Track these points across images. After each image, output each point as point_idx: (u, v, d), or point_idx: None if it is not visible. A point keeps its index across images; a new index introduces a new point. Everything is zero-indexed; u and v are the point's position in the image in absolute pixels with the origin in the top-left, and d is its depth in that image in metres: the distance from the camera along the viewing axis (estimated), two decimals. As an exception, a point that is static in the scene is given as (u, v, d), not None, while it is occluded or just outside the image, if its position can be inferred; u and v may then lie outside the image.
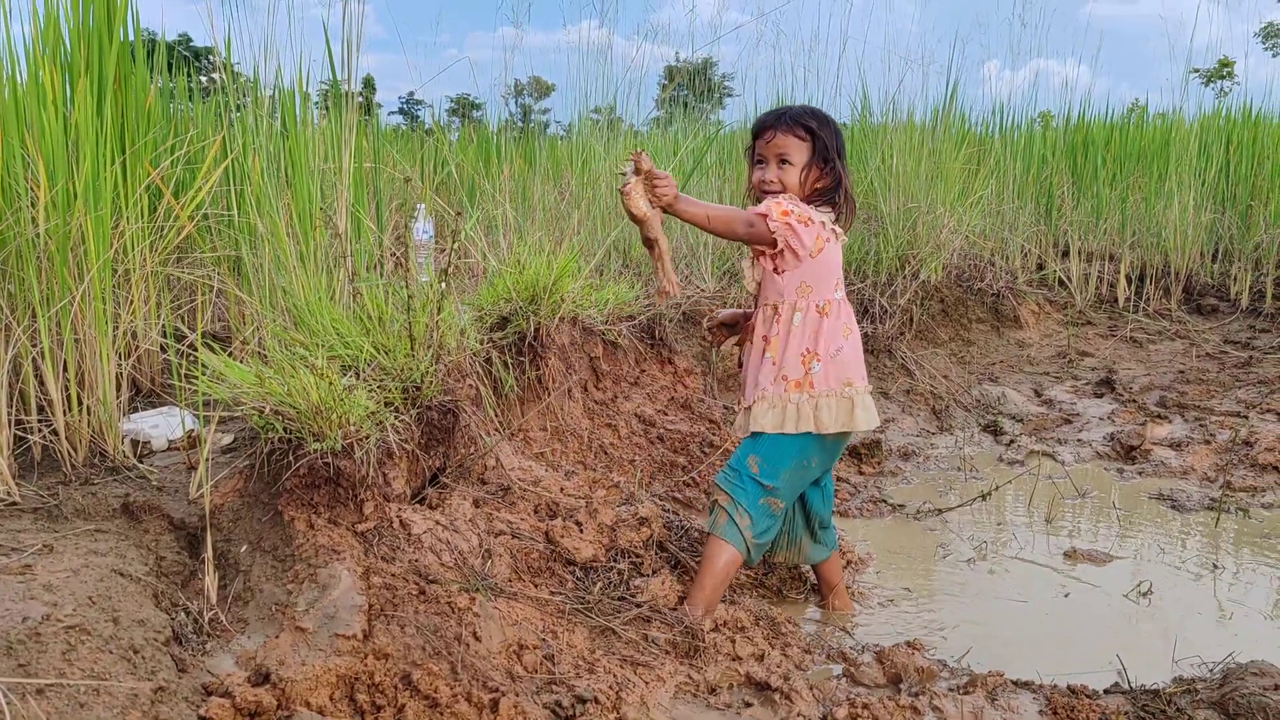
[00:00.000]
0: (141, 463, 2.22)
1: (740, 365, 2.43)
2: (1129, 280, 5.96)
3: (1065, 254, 6.16)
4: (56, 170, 2.22)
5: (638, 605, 2.18)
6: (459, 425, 2.48)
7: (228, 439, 2.34)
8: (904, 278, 4.91)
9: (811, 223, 2.18)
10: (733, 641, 2.11)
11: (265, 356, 2.38)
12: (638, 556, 2.41)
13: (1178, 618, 2.46)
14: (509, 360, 2.93)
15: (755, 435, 2.25)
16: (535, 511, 2.50)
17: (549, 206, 4.55)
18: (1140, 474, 3.63)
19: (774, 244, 2.15)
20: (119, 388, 2.35)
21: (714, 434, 3.39)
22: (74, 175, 2.24)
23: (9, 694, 1.35)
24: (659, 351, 3.66)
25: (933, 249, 5.03)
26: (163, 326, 2.66)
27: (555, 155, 6.00)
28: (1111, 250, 6.24)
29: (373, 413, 2.18)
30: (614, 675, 1.90)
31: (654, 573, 2.36)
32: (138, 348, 2.59)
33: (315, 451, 2.05)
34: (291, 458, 2.06)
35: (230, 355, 2.45)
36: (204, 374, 2.16)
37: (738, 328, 2.52)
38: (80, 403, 2.21)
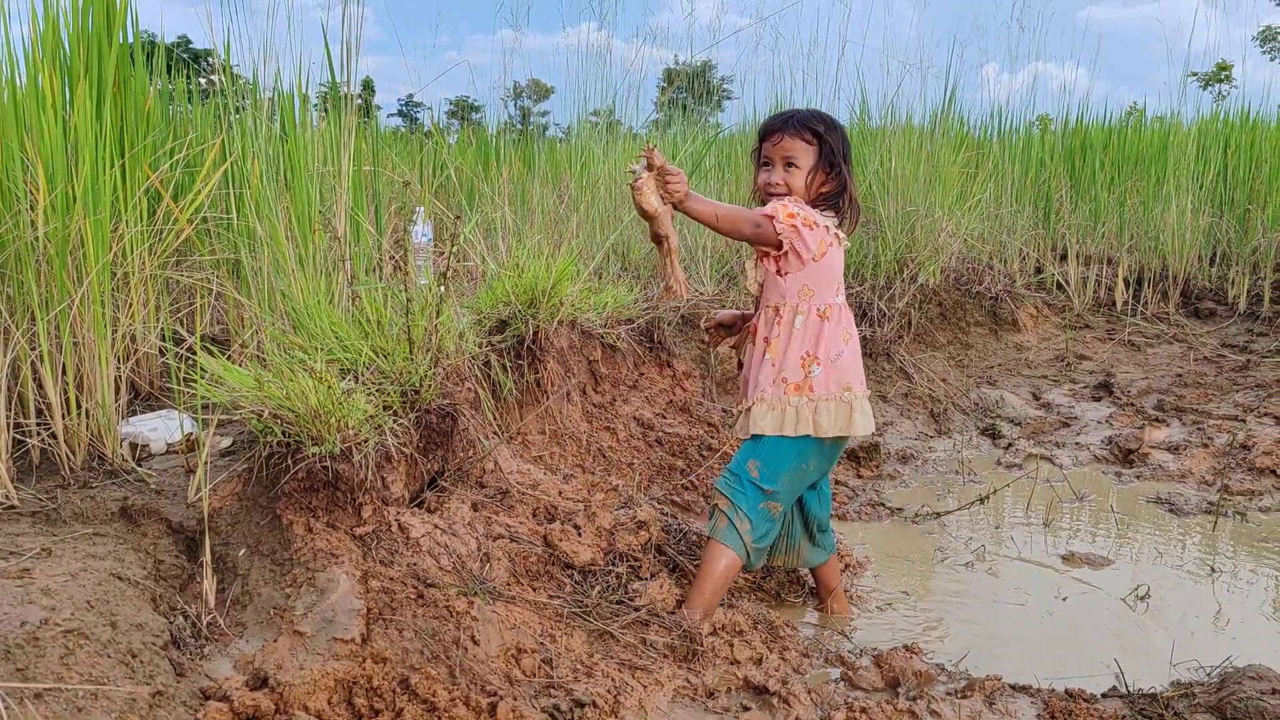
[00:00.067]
0: (140, 466, 2.22)
1: (740, 367, 2.44)
2: (1127, 284, 5.96)
3: (1063, 257, 6.17)
4: (56, 174, 2.22)
5: (636, 609, 2.19)
6: (457, 429, 2.48)
7: (226, 442, 2.34)
8: (902, 281, 4.91)
9: (816, 226, 2.19)
10: (731, 645, 2.11)
11: (264, 360, 2.39)
12: (636, 560, 2.41)
13: (1175, 621, 2.46)
14: (508, 363, 2.93)
15: (755, 439, 2.25)
16: (534, 515, 2.50)
17: (548, 209, 4.55)
18: (1138, 477, 3.63)
19: (779, 246, 2.16)
20: (118, 391, 2.35)
21: (712, 437, 3.40)
22: (73, 179, 2.24)
23: (7, 699, 1.36)
24: (657, 355, 3.66)
25: (931, 252, 5.04)
26: (161, 330, 2.67)
27: (554, 158, 6.01)
28: (1109, 254, 6.25)
29: (371, 416, 2.19)
30: (612, 679, 1.90)
31: (652, 576, 2.36)
32: (136, 351, 2.59)
33: (314, 455, 2.05)
34: (290, 461, 2.07)
35: (229, 358, 2.46)
36: (203, 377, 2.16)
37: (735, 329, 2.52)
38: (79, 406, 2.21)
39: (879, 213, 4.99)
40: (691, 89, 6.57)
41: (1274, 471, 3.55)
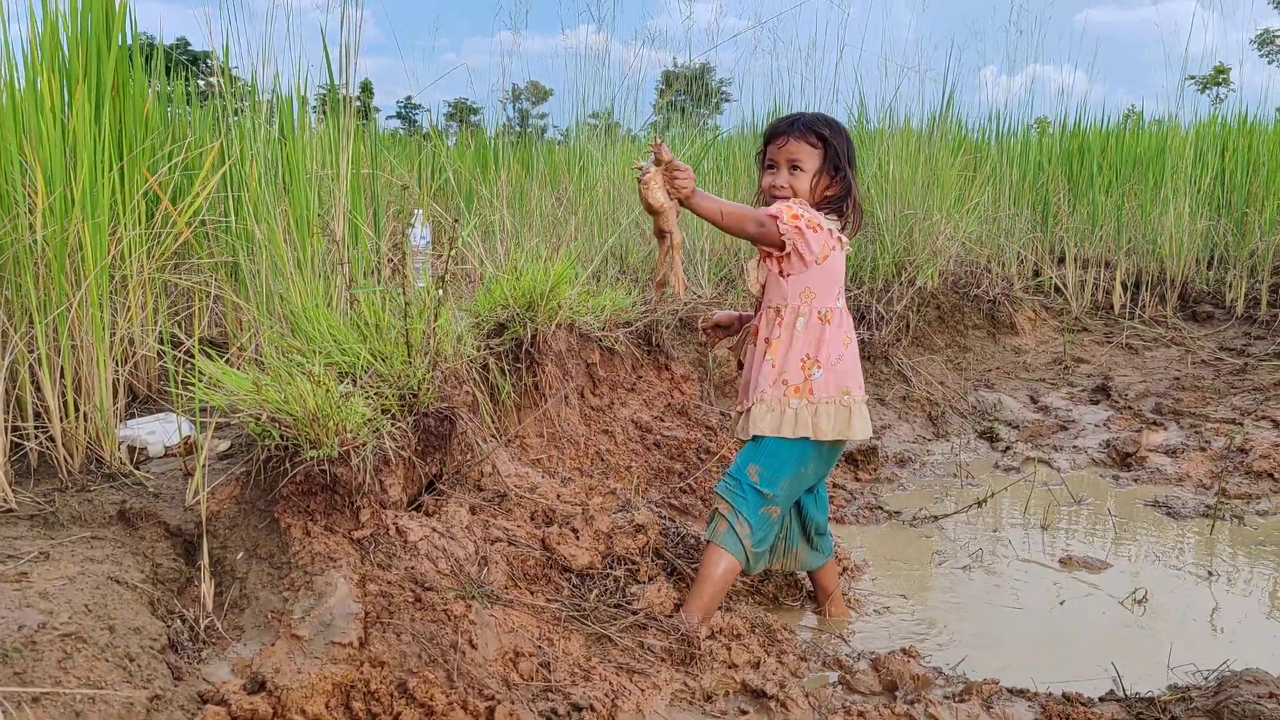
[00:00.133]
0: (138, 469, 2.22)
1: (740, 368, 2.44)
2: (1125, 287, 5.97)
3: (1061, 261, 6.18)
4: (54, 177, 2.22)
5: (634, 612, 2.19)
6: (455, 432, 2.49)
7: (224, 446, 2.34)
8: (900, 284, 4.92)
9: (820, 229, 2.19)
10: (729, 649, 2.11)
11: (262, 363, 2.39)
12: (634, 563, 2.41)
13: (1173, 625, 2.46)
14: (506, 367, 2.93)
15: (755, 443, 2.25)
16: (532, 518, 2.50)
17: (546, 212, 4.56)
18: (1136, 481, 3.64)
19: (782, 246, 2.17)
20: (116, 394, 2.35)
21: (710, 440, 3.40)
22: (72, 182, 2.24)
23: (5, 702, 1.35)
24: (656, 358, 3.67)
25: (929, 255, 5.05)
26: (160, 333, 2.66)
27: (553, 161, 6.01)
28: (1107, 257, 6.25)
29: (369, 420, 2.19)
30: (610, 683, 1.90)
31: (650, 580, 2.36)
32: (135, 354, 2.59)
33: (312, 459, 2.05)
34: (288, 465, 2.07)
35: (227, 362, 2.46)
36: (201, 381, 2.16)
37: (733, 330, 2.53)
38: (77, 409, 2.21)
39: (877, 216, 5.00)
40: (690, 91, 6.57)
41: (1271, 475, 3.55)
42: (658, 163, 2.01)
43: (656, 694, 1.93)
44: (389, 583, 1.97)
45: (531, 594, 2.20)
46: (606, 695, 1.84)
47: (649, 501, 2.90)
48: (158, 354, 2.71)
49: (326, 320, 2.46)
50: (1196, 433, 4.03)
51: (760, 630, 2.24)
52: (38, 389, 2.21)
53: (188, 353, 2.54)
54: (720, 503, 2.26)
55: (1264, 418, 4.17)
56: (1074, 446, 4.00)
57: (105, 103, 2.47)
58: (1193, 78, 7.39)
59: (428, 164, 5.49)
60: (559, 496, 2.65)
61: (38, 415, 2.23)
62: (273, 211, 2.74)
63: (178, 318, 2.91)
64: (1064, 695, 2.02)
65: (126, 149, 2.63)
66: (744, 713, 1.93)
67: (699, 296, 4.33)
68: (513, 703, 1.75)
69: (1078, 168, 6.68)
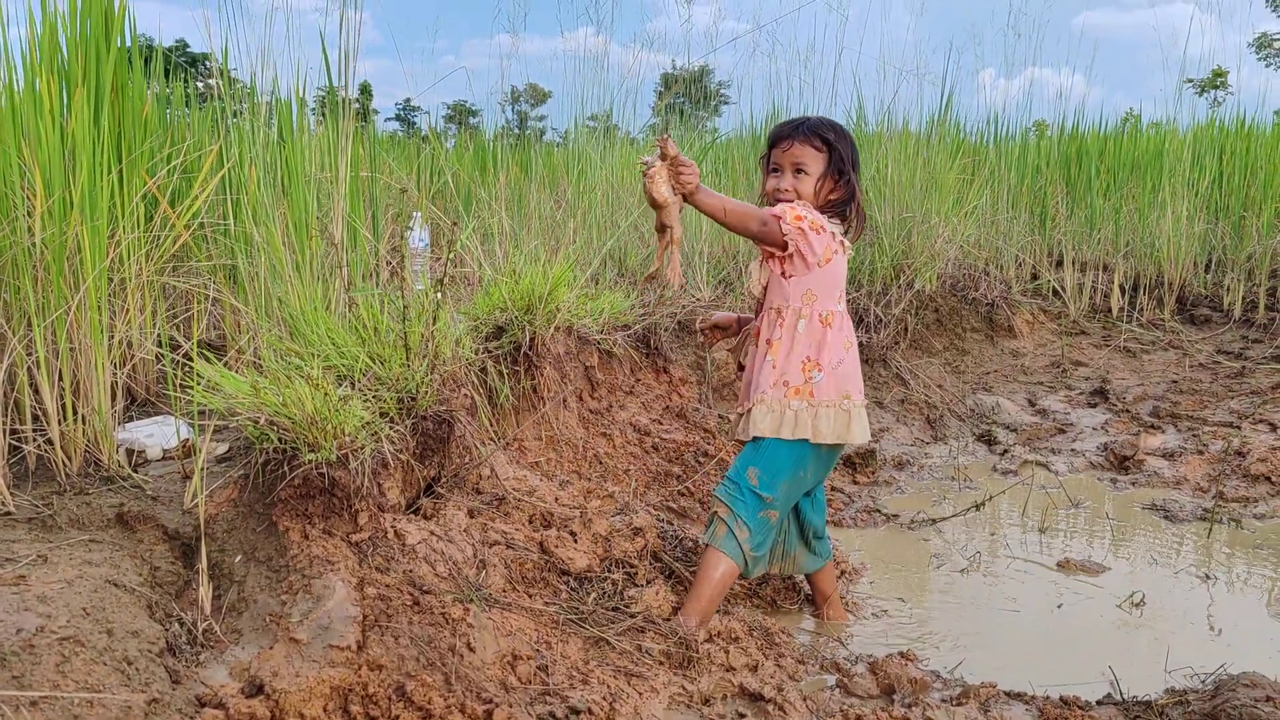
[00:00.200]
0: (136, 472, 2.22)
1: (741, 370, 2.45)
2: (1123, 290, 5.98)
3: (1059, 264, 6.19)
4: (53, 180, 2.22)
5: (632, 616, 2.19)
6: (454, 435, 2.49)
7: (223, 449, 2.34)
8: (899, 287, 4.92)
9: (823, 231, 2.20)
10: (726, 652, 2.12)
11: (260, 366, 2.39)
12: (632, 567, 2.41)
13: (1170, 628, 2.47)
14: (504, 370, 2.94)
15: (754, 446, 2.26)
16: (530, 521, 2.50)
17: (545, 215, 4.56)
18: (1133, 484, 3.64)
19: (784, 246, 2.18)
20: (114, 397, 2.35)
21: (709, 443, 3.40)
22: (70, 184, 2.24)
23: (4, 706, 1.36)
24: (654, 361, 3.67)
25: (927, 258, 5.05)
26: (158, 336, 2.66)
27: (551, 163, 6.02)
28: (1105, 260, 6.26)
29: (368, 423, 2.19)
30: (608, 686, 1.90)
31: (648, 583, 2.36)
32: (133, 357, 2.59)
33: (310, 462, 2.05)
34: (286, 468, 2.07)
35: (225, 365, 2.46)
36: (199, 384, 2.16)
37: (731, 332, 2.53)
38: (75, 412, 2.21)
39: (875, 219, 5.00)
40: (689, 94, 6.58)
41: (1269, 478, 3.56)
42: (663, 157, 2.03)
43: (654, 697, 1.93)
44: (387, 586, 1.97)
45: (529, 597, 2.21)
46: (604, 698, 1.85)
47: (647, 504, 2.90)
48: (156, 357, 2.71)
49: (325, 323, 2.47)
50: (1194, 436, 4.04)
51: (758, 633, 2.24)
52: (36, 392, 2.21)
53: (186, 356, 2.54)
54: (719, 506, 2.26)
55: (1261, 421, 4.17)
56: (1072, 450, 4.01)
57: (104, 105, 2.47)
58: (1190, 81, 7.41)
59: (426, 166, 5.49)
60: (557, 499, 2.66)
61: (36, 418, 2.23)
62: (271, 214, 2.74)
63: (176, 320, 2.91)
64: (1061, 698, 2.03)
65: (125, 151, 2.63)
66: (742, 716, 1.93)
67: (697, 299, 4.33)
68: (511, 706, 1.75)
69: (1076, 171, 6.69)
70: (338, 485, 2.08)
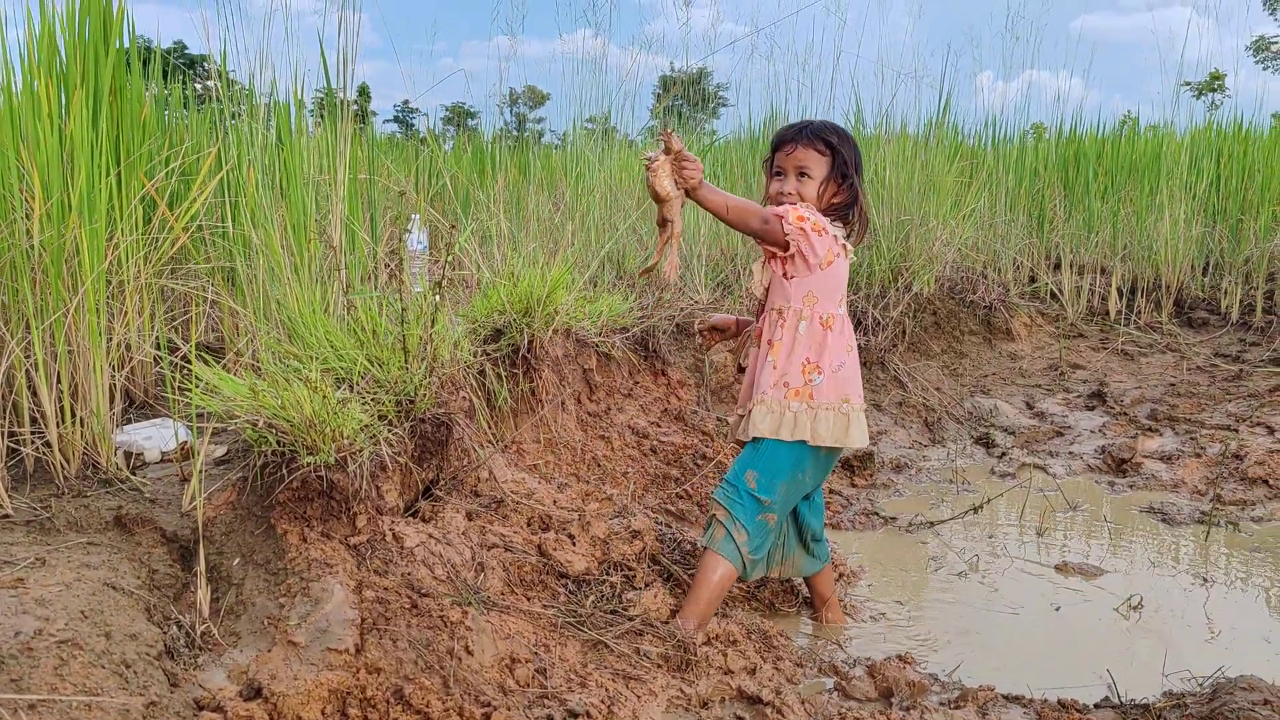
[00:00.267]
0: (134, 475, 2.22)
1: (741, 371, 2.45)
2: (1120, 293, 5.99)
3: (1057, 266, 6.20)
4: (52, 182, 2.22)
5: (630, 619, 2.19)
6: (452, 438, 2.49)
7: (221, 451, 2.34)
8: (897, 290, 4.93)
9: (825, 233, 2.21)
10: (724, 655, 2.12)
11: (259, 369, 2.39)
12: (630, 569, 2.41)
13: (1168, 631, 2.47)
14: (502, 372, 2.94)
15: (753, 448, 2.26)
16: (528, 524, 2.50)
17: (543, 217, 4.56)
18: (1131, 487, 3.64)
19: (785, 246, 2.18)
20: (112, 399, 2.35)
21: (707, 446, 3.40)
22: (69, 187, 2.24)
23: (2, 709, 1.35)
24: (652, 363, 3.67)
25: (925, 261, 5.06)
26: (156, 338, 2.66)
27: (550, 165, 6.02)
28: (1103, 263, 6.27)
29: (366, 426, 2.19)
30: (606, 689, 1.90)
31: (647, 586, 2.36)
32: (131, 359, 2.59)
33: (308, 464, 2.05)
34: (285, 471, 2.07)
35: (224, 367, 2.45)
36: (197, 386, 2.16)
37: (729, 333, 2.53)
38: (73, 414, 2.20)
39: (873, 221, 5.01)
40: (687, 96, 6.59)
41: (1266, 481, 3.56)
42: (667, 151, 2.03)
43: (652, 700, 1.93)
44: (385, 589, 1.97)
45: (528, 600, 2.21)
46: (602, 702, 1.85)
47: (645, 507, 2.90)
48: (154, 359, 2.71)
49: (323, 326, 2.47)
50: (1192, 439, 4.04)
51: (756, 636, 2.24)
52: (34, 394, 2.21)
53: (184, 358, 2.53)
54: (717, 509, 2.26)
55: (1259, 424, 4.18)
56: (1069, 452, 4.01)
57: (103, 107, 2.47)
58: (1188, 84, 7.43)
59: (425, 169, 5.49)
60: (555, 502, 2.66)
61: (34, 421, 2.22)
62: (270, 216, 2.74)
63: (174, 323, 2.91)
64: (1059, 702, 2.03)
65: (124, 154, 2.63)
66: (739, 719, 1.93)
67: (695, 302, 4.33)
68: (509, 709, 1.75)
69: (1074, 174, 6.71)
70: (336, 488, 2.08)
